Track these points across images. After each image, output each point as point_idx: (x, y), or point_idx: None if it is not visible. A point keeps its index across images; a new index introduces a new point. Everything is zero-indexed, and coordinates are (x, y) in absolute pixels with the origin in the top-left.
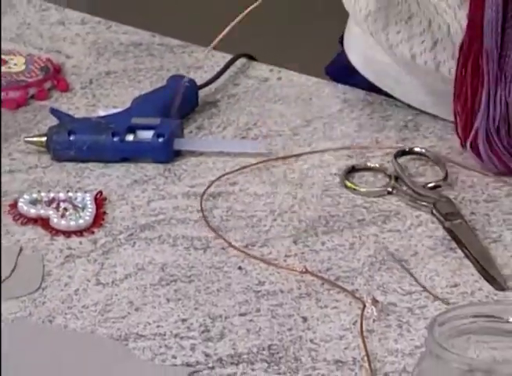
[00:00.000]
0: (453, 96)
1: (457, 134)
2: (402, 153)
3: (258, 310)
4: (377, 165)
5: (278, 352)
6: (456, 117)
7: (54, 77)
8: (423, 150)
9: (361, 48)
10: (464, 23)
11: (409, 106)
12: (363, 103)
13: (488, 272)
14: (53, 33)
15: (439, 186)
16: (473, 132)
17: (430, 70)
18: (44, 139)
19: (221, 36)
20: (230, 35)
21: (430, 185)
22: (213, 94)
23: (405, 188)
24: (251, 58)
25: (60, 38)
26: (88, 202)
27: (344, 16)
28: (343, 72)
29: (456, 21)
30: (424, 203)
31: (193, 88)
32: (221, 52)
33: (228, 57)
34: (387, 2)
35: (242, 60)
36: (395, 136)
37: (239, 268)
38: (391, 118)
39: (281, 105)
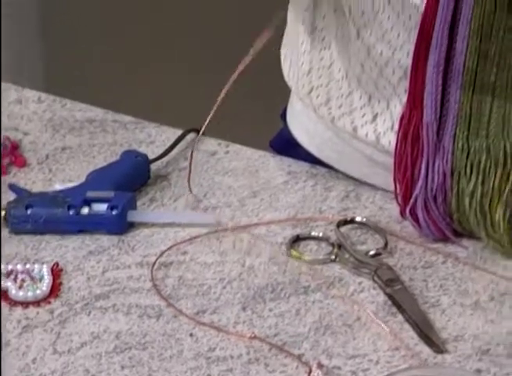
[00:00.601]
0: (394, 166)
1: (397, 201)
2: (344, 222)
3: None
4: (321, 234)
5: None
6: (396, 186)
7: (12, 153)
8: (364, 220)
9: (303, 122)
10: (403, 97)
11: (351, 177)
12: (307, 174)
13: (427, 336)
14: (11, 111)
15: (379, 254)
16: (412, 200)
17: (371, 142)
18: (2, 213)
19: (207, 121)
20: (180, 110)
21: (371, 253)
22: (164, 168)
23: (347, 256)
24: None
25: (18, 116)
26: (45, 273)
27: (285, 93)
28: (287, 146)
29: (396, 95)
30: (366, 270)
31: (145, 162)
32: (172, 127)
33: (179, 132)
34: (329, 78)
35: (191, 135)
36: (338, 206)
37: (191, 335)
38: (333, 189)
39: (229, 177)
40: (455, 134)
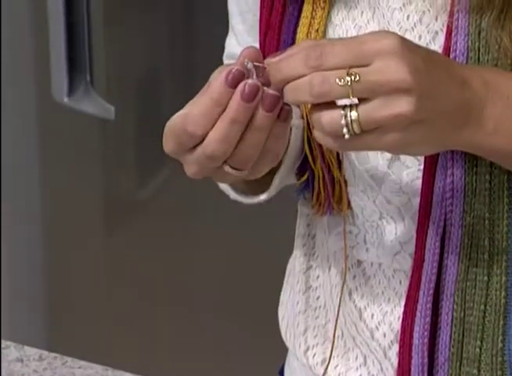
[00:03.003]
0: None
1: None
2: None
3: None
4: None
5: None
6: None
7: None
8: None
9: None
10: (395, 362)
11: None
12: None
13: None
14: (12, 370)
15: None
16: None
17: None
18: None
19: None
20: (180, 367)
21: None
22: None
23: None
24: None
25: (19, 375)
26: None
27: (283, 350)
28: None
29: (387, 360)
30: None
31: None
32: None
33: None
34: (324, 338)
35: None
36: None
37: None
38: None
39: None
40: None
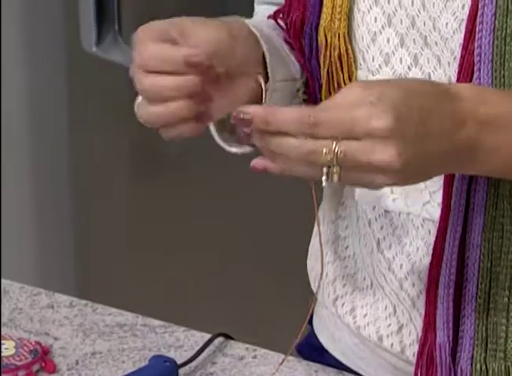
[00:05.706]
0: None
1: None
2: None
3: None
4: None
5: None
6: None
7: (42, 359)
8: None
9: (330, 329)
10: (423, 311)
11: None
12: None
13: None
14: (43, 316)
15: None
16: None
17: (396, 353)
18: None
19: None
20: (209, 315)
21: None
22: (192, 372)
23: None
24: (228, 337)
25: (49, 321)
26: None
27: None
28: (314, 351)
29: (415, 309)
30: None
31: (174, 367)
32: (200, 331)
33: (207, 336)
34: (353, 287)
35: (219, 339)
36: None
37: None
38: None
39: None
40: (472, 356)
